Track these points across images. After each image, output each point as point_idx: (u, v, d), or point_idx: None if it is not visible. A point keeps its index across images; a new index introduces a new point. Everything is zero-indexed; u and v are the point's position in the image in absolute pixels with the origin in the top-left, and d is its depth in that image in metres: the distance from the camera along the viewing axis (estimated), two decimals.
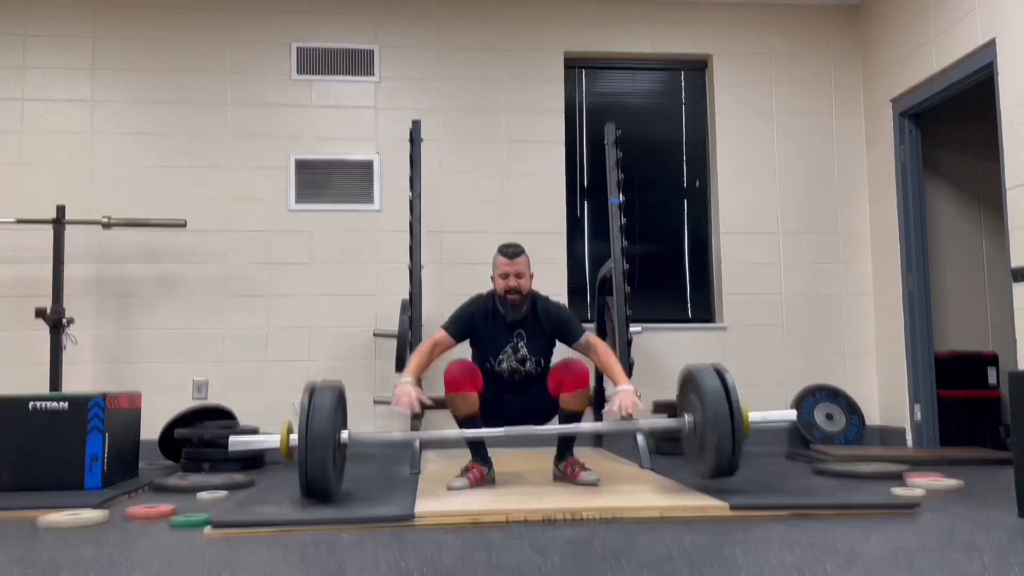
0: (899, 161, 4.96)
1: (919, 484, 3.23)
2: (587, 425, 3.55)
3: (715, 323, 5.20)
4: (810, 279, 5.21)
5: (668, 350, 5.09)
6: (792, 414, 3.28)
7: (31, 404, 3.35)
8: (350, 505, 2.83)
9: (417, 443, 3.88)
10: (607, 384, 4.73)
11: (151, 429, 4.38)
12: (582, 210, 5.27)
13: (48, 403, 3.36)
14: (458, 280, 4.97)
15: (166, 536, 2.48)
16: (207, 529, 2.52)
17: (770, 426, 3.50)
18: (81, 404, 3.36)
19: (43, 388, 4.33)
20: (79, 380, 4.65)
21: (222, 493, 3.24)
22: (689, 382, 3.03)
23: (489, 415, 3.27)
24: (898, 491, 3.03)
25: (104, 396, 3.40)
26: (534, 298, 3.38)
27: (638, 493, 3.03)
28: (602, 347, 3.34)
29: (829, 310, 5.21)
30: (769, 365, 5.13)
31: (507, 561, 2.10)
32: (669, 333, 5.11)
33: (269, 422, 4.76)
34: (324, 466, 2.73)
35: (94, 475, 3.32)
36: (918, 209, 4.90)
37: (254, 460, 4.22)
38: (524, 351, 3.35)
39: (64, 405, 3.36)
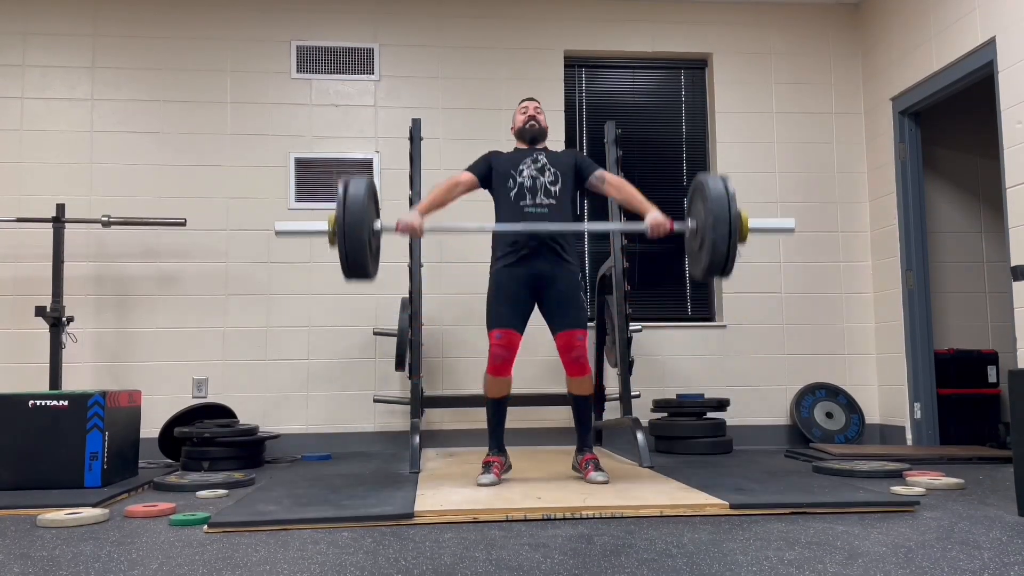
0: (899, 159, 4.96)
1: (919, 482, 3.23)
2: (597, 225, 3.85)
3: (715, 322, 5.21)
4: (810, 278, 5.21)
5: (668, 349, 5.09)
6: (791, 222, 3.43)
7: (31, 402, 3.35)
8: (350, 503, 2.83)
9: (417, 441, 3.88)
10: (606, 376, 4.74)
11: (151, 427, 4.39)
12: (582, 207, 5.27)
13: (48, 401, 3.36)
14: (458, 279, 4.98)
15: (166, 534, 2.48)
16: (206, 527, 2.53)
17: (769, 232, 3.69)
18: (81, 402, 3.36)
19: (43, 386, 4.34)
20: (79, 378, 4.65)
21: (222, 491, 3.24)
22: (697, 189, 3.15)
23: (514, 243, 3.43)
24: (898, 489, 3.03)
25: (104, 394, 3.40)
26: (569, 148, 3.69)
27: (638, 491, 3.03)
28: (616, 179, 3.53)
29: (829, 309, 5.21)
30: (769, 363, 5.13)
31: (507, 559, 2.10)
32: (669, 332, 5.12)
33: (269, 420, 4.77)
34: (362, 247, 2.98)
35: (94, 473, 3.32)
36: (918, 207, 4.90)
37: (254, 458, 4.23)
38: (543, 160, 3.48)
39: (64, 403, 3.36)
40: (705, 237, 3.04)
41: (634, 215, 3.47)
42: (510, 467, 3.45)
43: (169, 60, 4.98)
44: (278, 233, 3.27)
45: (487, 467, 3.31)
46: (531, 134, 3.55)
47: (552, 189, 3.43)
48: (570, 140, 5.25)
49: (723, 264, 3.02)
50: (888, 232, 5.04)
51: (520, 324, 3.39)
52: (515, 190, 3.44)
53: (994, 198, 4.99)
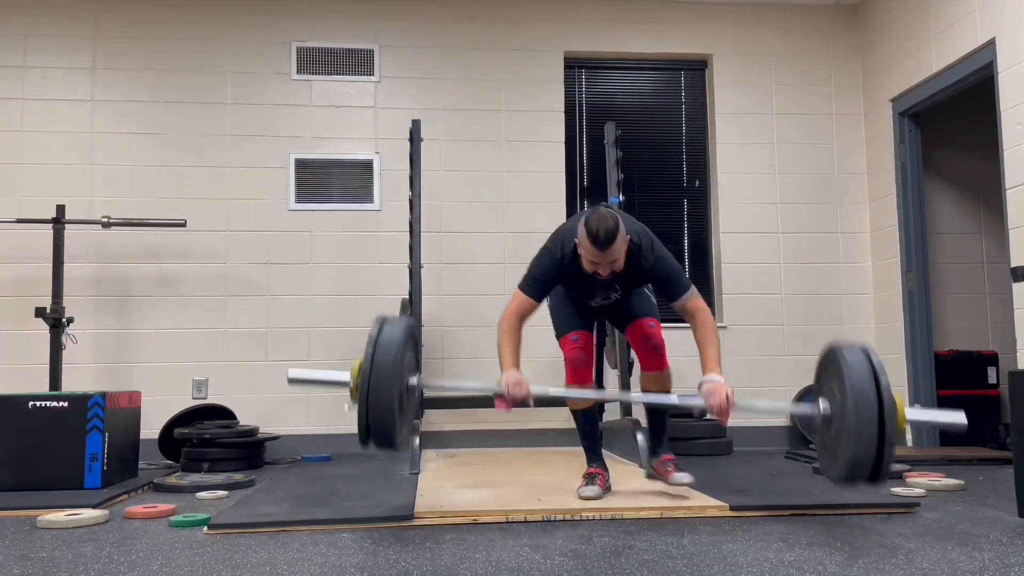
0: (899, 160, 4.96)
1: (919, 483, 3.23)
2: (663, 397, 2.92)
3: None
4: (810, 279, 5.21)
5: (668, 349, 5.07)
6: (961, 416, 2.53)
7: (31, 403, 3.35)
8: (350, 504, 2.83)
9: (417, 443, 3.88)
10: (606, 376, 4.67)
11: (151, 428, 4.38)
12: (582, 209, 5.27)
13: (48, 402, 3.36)
14: (458, 279, 4.98)
15: (165, 535, 2.48)
16: (206, 528, 2.52)
17: (932, 425, 2.72)
18: (81, 403, 3.36)
19: (43, 387, 4.33)
20: (79, 379, 4.65)
21: (222, 492, 3.24)
22: (830, 363, 2.47)
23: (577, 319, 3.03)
24: (898, 490, 3.04)
25: (104, 395, 3.40)
26: (630, 248, 2.76)
27: (638, 493, 3.03)
28: (703, 319, 2.80)
29: (829, 310, 5.20)
30: (769, 365, 5.13)
31: (507, 560, 2.10)
32: (669, 332, 5.03)
33: (269, 421, 4.77)
34: (389, 408, 2.34)
35: (94, 474, 3.32)
36: (918, 208, 4.90)
37: (254, 459, 4.23)
38: (616, 295, 2.97)
39: (64, 404, 3.36)
40: (844, 429, 2.32)
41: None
42: (610, 488, 3.03)
43: (169, 61, 4.98)
44: (291, 381, 2.60)
45: (590, 478, 2.98)
46: (602, 282, 2.85)
47: (623, 300, 3.03)
48: (570, 140, 5.25)
49: (873, 466, 2.28)
50: (888, 233, 5.04)
51: (591, 325, 3.07)
52: (582, 300, 3.03)
53: (994, 199, 4.98)
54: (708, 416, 2.61)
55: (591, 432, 3.15)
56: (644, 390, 3.08)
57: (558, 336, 3.08)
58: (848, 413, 2.29)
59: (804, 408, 2.56)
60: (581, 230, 2.68)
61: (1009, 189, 3.97)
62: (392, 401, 2.37)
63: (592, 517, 2.63)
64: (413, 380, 2.55)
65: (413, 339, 2.58)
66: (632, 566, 2.02)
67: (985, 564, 2.01)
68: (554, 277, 2.85)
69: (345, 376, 2.44)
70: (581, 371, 3.02)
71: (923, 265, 4.87)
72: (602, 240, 2.62)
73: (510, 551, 2.20)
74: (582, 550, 2.21)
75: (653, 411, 3.15)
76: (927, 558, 2.08)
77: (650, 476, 3.12)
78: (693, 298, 2.83)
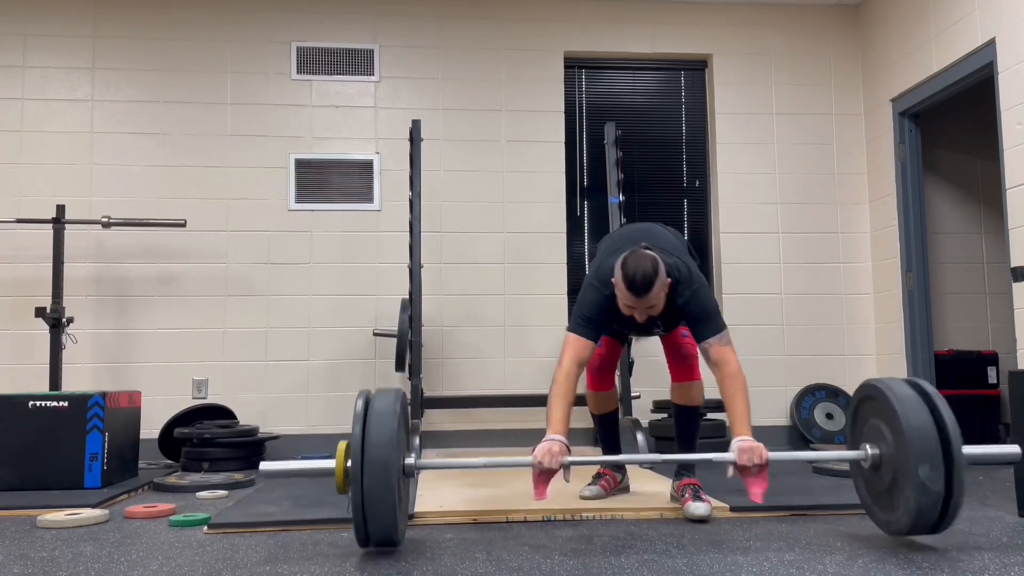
0: (899, 161, 4.96)
1: None
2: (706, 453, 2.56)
3: None
4: (810, 279, 5.21)
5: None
6: (1016, 450, 2.28)
7: (31, 403, 3.35)
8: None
9: (417, 442, 3.88)
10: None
11: (151, 428, 4.39)
12: (582, 209, 5.27)
13: (48, 402, 3.36)
14: (458, 279, 4.98)
15: (165, 535, 2.48)
16: (206, 528, 2.53)
17: (989, 461, 2.35)
18: (81, 403, 3.36)
19: (43, 387, 4.34)
20: (79, 379, 4.65)
21: (222, 492, 3.24)
22: (873, 401, 2.26)
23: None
24: None
25: (104, 395, 3.40)
26: (671, 285, 2.60)
27: (638, 493, 3.03)
28: (731, 371, 2.57)
29: (829, 310, 5.21)
30: (769, 364, 5.13)
31: (507, 559, 2.10)
32: None
33: (269, 421, 4.77)
34: (390, 504, 2.04)
35: (94, 474, 3.33)
36: (918, 209, 4.90)
37: (254, 459, 4.23)
38: (659, 329, 2.83)
39: (64, 404, 3.36)
40: (902, 477, 2.09)
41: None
42: (627, 488, 3.01)
43: (169, 61, 4.98)
44: (265, 475, 2.22)
45: (597, 477, 2.96)
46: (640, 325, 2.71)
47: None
48: (570, 140, 5.25)
49: (941, 515, 2.08)
50: (888, 233, 5.04)
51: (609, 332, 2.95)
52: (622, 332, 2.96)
53: (994, 199, 4.99)
54: (737, 474, 2.37)
55: (609, 437, 3.09)
56: (673, 402, 2.93)
57: (572, 331, 2.78)
58: (912, 463, 2.03)
59: (844, 455, 2.36)
60: (618, 272, 2.51)
61: (1009, 189, 3.97)
62: (391, 490, 2.04)
63: (592, 517, 2.63)
64: (409, 460, 2.21)
65: (404, 412, 2.24)
66: (632, 566, 2.02)
67: (985, 564, 2.01)
68: (605, 313, 2.64)
69: (330, 464, 2.16)
70: (599, 378, 3.00)
71: (923, 265, 4.87)
72: (639, 286, 2.46)
73: (510, 551, 2.20)
74: (582, 550, 2.21)
75: (682, 427, 2.92)
76: (927, 558, 2.08)
77: (673, 498, 2.85)
78: (723, 345, 2.58)
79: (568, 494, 2.96)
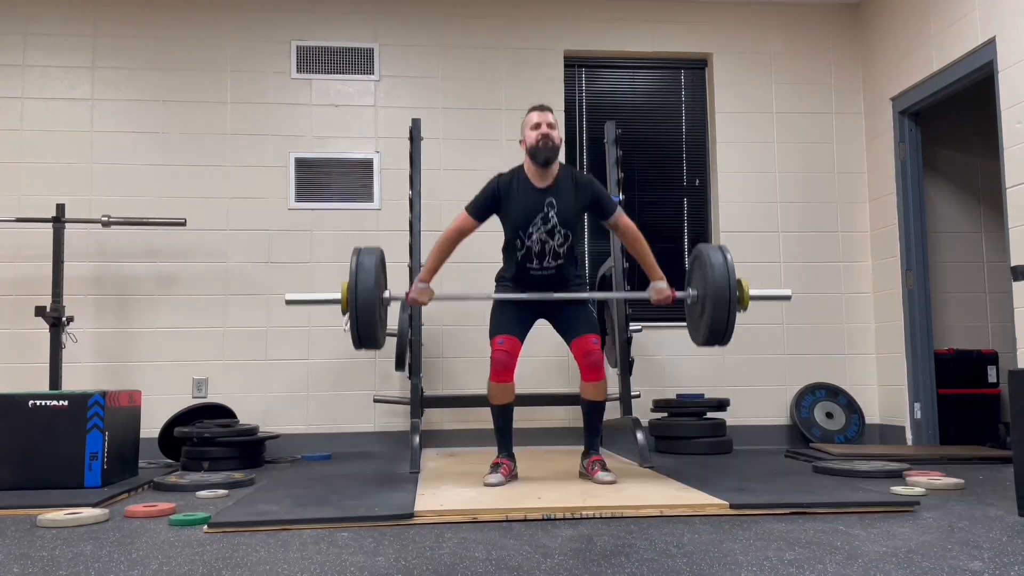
0: (899, 159, 4.96)
1: (919, 482, 3.23)
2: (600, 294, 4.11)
3: None
4: (810, 278, 5.21)
5: (668, 349, 5.09)
6: (787, 291, 3.64)
7: (31, 402, 3.35)
8: (350, 503, 2.83)
9: (417, 441, 3.88)
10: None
11: (151, 427, 4.39)
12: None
13: (48, 401, 3.36)
14: (458, 279, 4.97)
15: (165, 534, 2.48)
16: (206, 527, 2.53)
17: (768, 300, 3.83)
18: (81, 402, 3.36)
19: (43, 386, 4.34)
20: (79, 378, 4.65)
21: (222, 491, 3.24)
22: (697, 259, 3.32)
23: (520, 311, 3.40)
24: (898, 489, 3.03)
25: (104, 394, 3.40)
26: (564, 166, 3.34)
27: (638, 491, 3.03)
28: (632, 231, 3.35)
29: (829, 309, 5.21)
30: (769, 363, 5.13)
31: (507, 559, 2.10)
32: (669, 331, 5.11)
33: (269, 420, 4.78)
34: (372, 320, 3.12)
35: (94, 473, 3.32)
36: (918, 207, 4.90)
37: (254, 458, 4.23)
38: (554, 220, 3.27)
39: (64, 403, 3.36)
40: (706, 307, 3.20)
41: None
42: (516, 476, 3.37)
43: (169, 60, 4.98)
44: (288, 302, 3.45)
45: (495, 467, 3.31)
46: (544, 155, 3.25)
47: (560, 250, 3.32)
48: (570, 140, 5.25)
49: (723, 333, 3.21)
50: (888, 232, 5.04)
51: (521, 334, 3.39)
52: (522, 251, 3.33)
53: (994, 198, 4.98)
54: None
55: (504, 427, 3.42)
56: (584, 398, 3.39)
57: (490, 336, 3.37)
58: (708, 294, 3.17)
59: (681, 293, 3.38)
60: (525, 116, 3.36)
61: (1009, 188, 3.97)
62: (374, 316, 3.13)
63: (592, 516, 2.63)
64: (386, 294, 3.29)
65: (383, 263, 3.27)
66: (632, 565, 2.02)
67: (985, 563, 2.01)
68: (495, 193, 3.32)
69: (335, 295, 3.21)
70: (501, 371, 3.30)
71: (923, 264, 4.87)
72: (541, 105, 3.37)
73: (510, 550, 2.20)
74: (582, 549, 2.21)
75: (590, 417, 3.43)
76: (927, 557, 2.08)
77: (581, 475, 3.40)
78: (624, 215, 3.36)
79: (568, 494, 2.97)
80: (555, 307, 3.41)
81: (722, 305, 3.15)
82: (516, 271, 3.38)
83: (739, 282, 3.19)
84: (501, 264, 3.52)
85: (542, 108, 3.35)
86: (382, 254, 3.27)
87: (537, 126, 3.28)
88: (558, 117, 5.13)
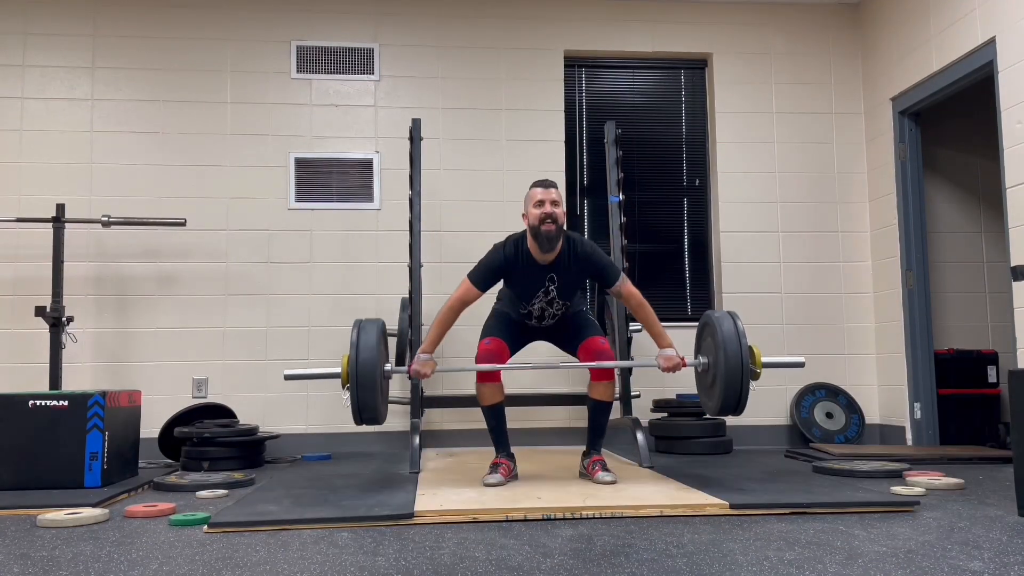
0: (899, 159, 4.96)
1: (919, 482, 3.23)
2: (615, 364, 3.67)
3: None
4: (810, 278, 5.21)
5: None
6: (800, 359, 3.47)
7: (31, 402, 3.35)
8: (350, 503, 2.83)
9: (417, 441, 3.88)
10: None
11: (151, 427, 4.39)
12: (582, 208, 5.27)
13: (48, 401, 3.36)
14: (458, 278, 4.96)
15: (165, 534, 2.48)
16: (206, 527, 2.53)
17: (781, 367, 3.67)
18: (81, 402, 3.36)
19: (43, 386, 4.34)
20: (79, 378, 4.65)
21: (222, 491, 3.24)
22: (707, 326, 3.26)
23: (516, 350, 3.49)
24: (898, 489, 3.03)
25: (104, 394, 3.40)
26: (567, 237, 3.30)
27: (638, 491, 3.03)
28: (638, 299, 3.33)
29: (829, 308, 5.21)
30: None
31: (507, 559, 2.10)
32: (669, 331, 5.08)
33: (269, 420, 4.77)
34: (373, 392, 3.03)
35: (94, 473, 3.32)
36: (918, 207, 4.90)
37: (254, 458, 4.23)
38: (554, 293, 3.36)
39: (64, 403, 3.36)
40: (718, 379, 3.12)
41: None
42: (516, 476, 3.39)
43: (169, 60, 4.98)
44: (287, 377, 3.30)
45: (494, 467, 3.32)
46: (546, 238, 3.20)
47: (559, 312, 3.46)
48: (570, 139, 5.25)
49: (736, 403, 3.11)
50: (888, 232, 5.04)
51: (512, 343, 3.44)
52: (523, 311, 3.44)
53: (994, 198, 4.98)
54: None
55: (498, 426, 3.41)
56: (592, 397, 3.42)
57: (479, 341, 3.40)
58: (720, 364, 3.08)
59: (691, 361, 3.32)
60: (528, 191, 3.31)
61: (1009, 188, 3.97)
62: (375, 387, 3.03)
63: (592, 516, 2.63)
64: (387, 367, 3.22)
65: (384, 335, 3.20)
66: (632, 565, 2.02)
67: (985, 563, 2.01)
68: (500, 267, 3.30)
69: (337, 369, 3.11)
70: (489, 372, 3.32)
71: (923, 264, 4.87)
72: (545, 181, 3.31)
73: (510, 550, 2.20)
74: (582, 549, 2.21)
75: (595, 417, 3.43)
76: (927, 557, 2.08)
77: (581, 475, 3.42)
78: (627, 283, 3.35)
79: (568, 494, 2.97)
80: (553, 327, 3.50)
81: (735, 377, 3.05)
82: (516, 318, 3.50)
83: (751, 349, 3.11)
84: None
85: (546, 185, 3.28)
86: (383, 326, 3.20)
87: (540, 203, 3.21)
88: (558, 117, 5.16)
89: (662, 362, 3.25)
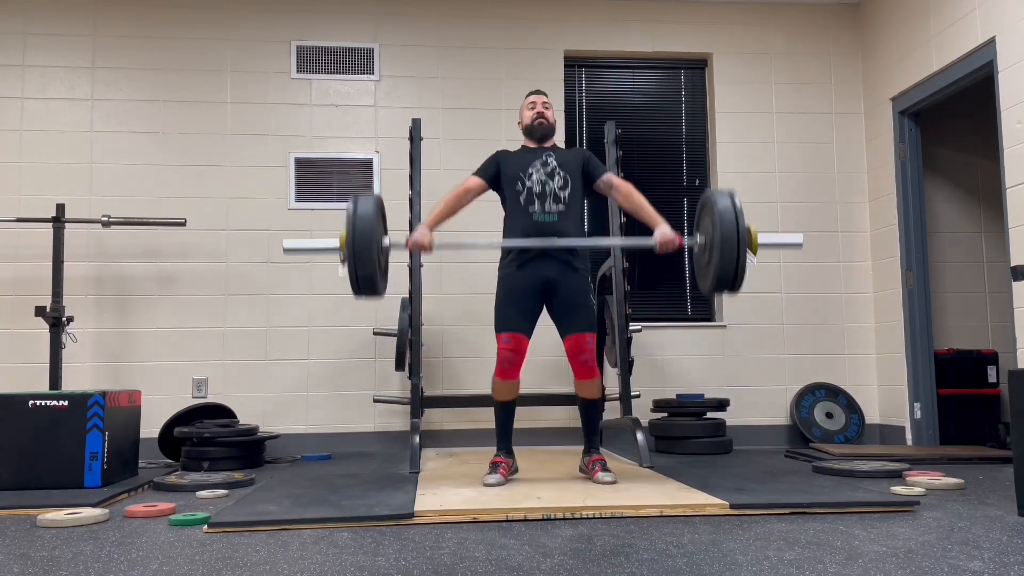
0: (899, 160, 4.96)
1: (919, 482, 3.23)
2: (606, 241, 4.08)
3: (715, 322, 5.20)
4: (810, 278, 5.21)
5: (668, 349, 5.09)
6: (798, 237, 3.34)
7: (31, 402, 3.35)
8: (350, 503, 2.83)
9: (417, 441, 3.88)
10: (606, 376, 4.74)
11: (151, 427, 4.39)
12: (582, 208, 5.26)
13: (48, 401, 3.36)
14: (457, 278, 4.98)
15: (165, 534, 2.48)
16: (206, 527, 2.53)
17: (778, 247, 3.63)
18: (81, 402, 3.36)
19: (43, 386, 4.34)
20: (79, 378, 4.65)
21: (221, 491, 3.24)
22: (705, 204, 3.15)
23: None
24: (898, 489, 3.03)
25: (104, 394, 3.40)
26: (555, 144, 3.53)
27: (638, 491, 3.03)
28: (625, 186, 3.44)
29: (829, 309, 5.21)
30: (769, 363, 5.13)
31: (507, 558, 2.10)
32: (669, 331, 5.12)
33: (269, 420, 4.77)
34: (371, 265, 2.95)
35: (94, 473, 3.32)
36: (918, 207, 4.90)
37: (254, 458, 4.23)
38: (553, 163, 3.41)
39: (64, 403, 3.36)
40: (714, 252, 3.01)
41: (636, 222, 3.48)
42: (516, 470, 3.43)
43: (169, 60, 4.98)
44: (286, 251, 3.26)
45: (494, 467, 3.32)
46: (540, 132, 3.48)
47: (562, 194, 3.37)
48: (570, 140, 5.26)
49: (732, 279, 3.01)
50: (888, 232, 5.04)
51: (528, 328, 3.37)
52: (523, 194, 3.38)
53: (994, 198, 4.99)
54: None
55: (506, 423, 3.44)
56: (579, 396, 3.43)
57: (496, 331, 3.37)
58: (716, 237, 2.98)
59: (689, 240, 3.25)
60: (523, 100, 3.60)
61: (1009, 188, 3.97)
62: (373, 260, 2.97)
63: (592, 516, 2.63)
64: (385, 241, 3.13)
65: (381, 209, 3.14)
66: (632, 565, 2.02)
67: (985, 563, 2.01)
68: (495, 156, 3.50)
69: (333, 243, 3.05)
70: (507, 369, 3.32)
71: (923, 264, 4.87)
72: (537, 90, 3.61)
73: (510, 550, 2.20)
74: (582, 549, 2.21)
75: (586, 415, 3.46)
76: (927, 557, 2.08)
77: (581, 471, 3.45)
78: (614, 174, 3.53)
79: (568, 494, 2.97)
80: (556, 288, 3.35)
81: (731, 248, 2.94)
82: (518, 219, 3.38)
83: (748, 229, 3.02)
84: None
85: (538, 91, 3.60)
86: (380, 200, 3.12)
87: (533, 105, 3.51)
88: (558, 117, 5.16)
89: (659, 239, 3.23)
